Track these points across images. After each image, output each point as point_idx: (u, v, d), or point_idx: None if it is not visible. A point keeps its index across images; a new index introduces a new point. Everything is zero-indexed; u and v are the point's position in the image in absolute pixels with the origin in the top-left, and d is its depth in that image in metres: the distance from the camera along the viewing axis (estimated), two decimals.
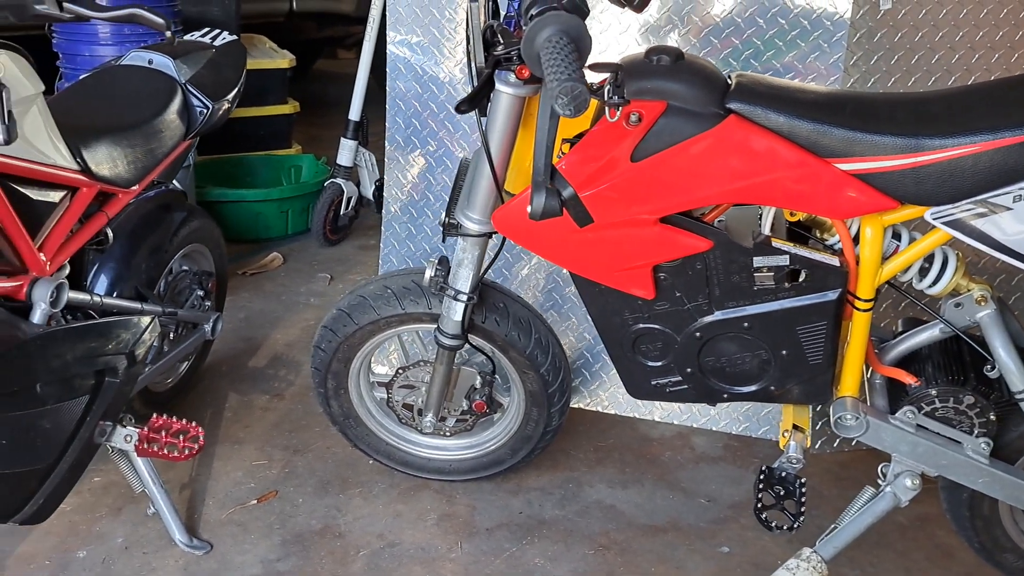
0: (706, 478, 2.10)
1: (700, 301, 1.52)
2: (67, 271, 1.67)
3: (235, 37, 2.20)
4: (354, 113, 3.50)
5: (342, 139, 3.53)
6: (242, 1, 4.15)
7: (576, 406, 2.31)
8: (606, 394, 2.32)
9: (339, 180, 3.56)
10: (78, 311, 1.68)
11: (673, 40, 2.14)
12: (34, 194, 1.49)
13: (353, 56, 7.61)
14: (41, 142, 1.47)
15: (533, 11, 1.14)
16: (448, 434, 1.98)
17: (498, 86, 1.38)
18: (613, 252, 1.45)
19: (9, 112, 1.08)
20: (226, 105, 2.03)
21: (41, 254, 1.54)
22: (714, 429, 2.26)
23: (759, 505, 1.63)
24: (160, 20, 0.99)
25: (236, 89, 2.07)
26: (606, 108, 1.29)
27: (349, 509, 1.96)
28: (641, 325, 1.57)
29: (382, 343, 1.94)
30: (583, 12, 1.15)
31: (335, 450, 2.17)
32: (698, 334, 1.55)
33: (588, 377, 2.33)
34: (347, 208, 3.62)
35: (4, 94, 1.08)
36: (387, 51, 2.39)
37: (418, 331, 1.92)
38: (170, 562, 1.77)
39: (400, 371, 1.91)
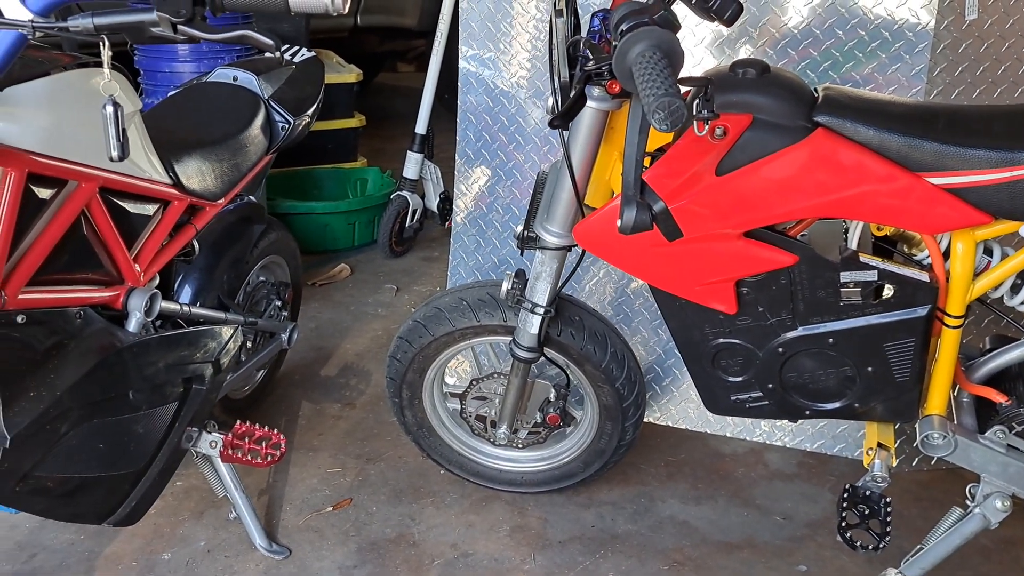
0: (781, 495, 2.07)
1: (783, 316, 1.50)
2: (157, 281, 1.73)
3: (313, 54, 2.26)
4: (420, 127, 3.55)
5: (408, 152, 3.58)
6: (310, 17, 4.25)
7: (646, 420, 2.30)
8: (676, 409, 2.31)
9: (405, 193, 3.61)
10: (166, 320, 1.74)
11: (746, 51, 2.13)
12: (131, 207, 1.55)
13: (413, 69, 7.73)
14: (139, 157, 1.53)
15: (624, 26, 1.14)
16: (520, 446, 1.98)
17: (588, 101, 1.39)
18: (695, 266, 1.45)
19: (123, 130, 1.13)
20: (306, 120, 2.08)
21: (136, 265, 1.59)
22: (788, 446, 2.22)
23: (843, 524, 1.59)
24: (269, 41, 1.02)
25: (315, 105, 2.12)
26: (693, 122, 1.29)
27: (422, 518, 1.98)
28: (722, 340, 1.56)
29: (456, 354, 1.95)
30: (675, 27, 1.16)
31: (407, 459, 2.19)
32: (780, 350, 1.53)
33: (658, 391, 2.32)
34: (412, 220, 3.66)
35: (119, 113, 1.12)
36: (458, 66, 2.42)
37: (492, 343, 1.94)
38: (251, 566, 1.81)
39: (474, 383, 1.93)
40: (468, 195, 2.52)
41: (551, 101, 1.49)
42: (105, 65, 1.08)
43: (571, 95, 1.30)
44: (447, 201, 3.70)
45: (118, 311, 1.57)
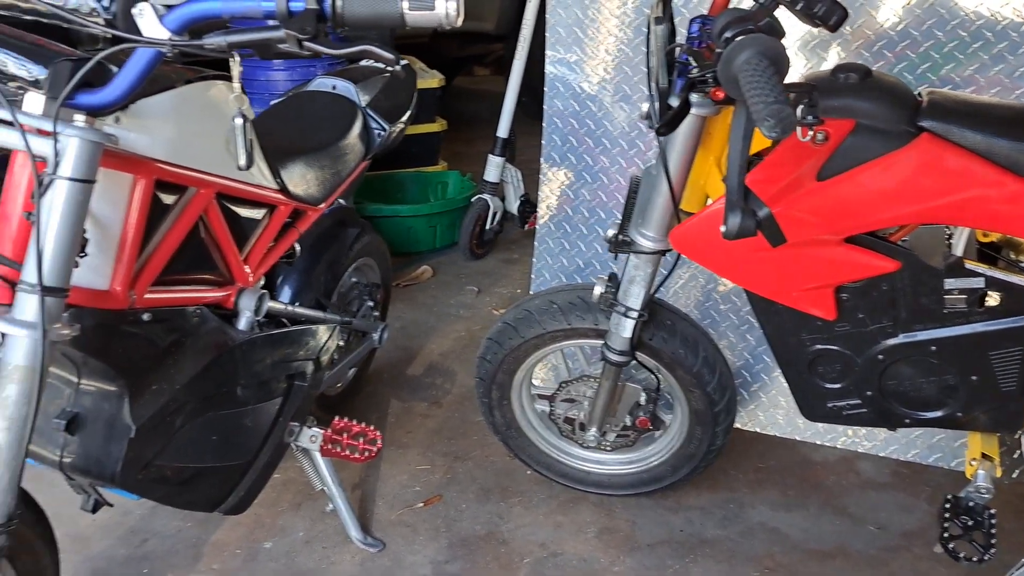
0: (874, 505, 2.03)
1: (884, 323, 1.48)
2: (263, 281, 1.80)
3: (406, 62, 2.31)
4: (502, 131, 3.59)
5: (490, 156, 3.62)
6: None
7: (734, 426, 2.28)
8: (764, 415, 2.29)
9: (486, 196, 3.66)
10: (271, 319, 1.81)
11: (837, 53, 2.10)
12: (243, 212, 1.63)
13: (489, 73, 7.79)
14: (254, 168, 1.60)
15: (728, 33, 1.15)
16: (608, 448, 2.00)
17: (693, 108, 1.40)
18: (795, 272, 1.44)
19: (251, 140, 1.19)
20: (400, 127, 2.14)
21: (246, 266, 1.67)
22: (881, 455, 2.18)
23: (945, 535, 1.56)
24: (390, 56, 1.07)
25: (409, 112, 2.18)
26: (798, 127, 1.28)
27: (511, 517, 2.01)
28: (819, 346, 1.55)
29: (546, 357, 1.98)
30: (780, 33, 1.16)
31: (494, 459, 2.23)
32: (880, 357, 1.51)
33: (746, 397, 2.30)
34: (493, 223, 3.71)
35: (247, 125, 1.19)
36: (544, 70, 2.45)
37: (582, 346, 1.96)
38: (347, 557, 1.88)
39: (563, 385, 1.95)
40: (552, 198, 2.55)
41: (646, 107, 1.51)
42: (235, 80, 1.14)
43: (675, 102, 1.31)
44: (527, 204, 3.73)
45: (229, 310, 1.65)
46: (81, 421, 1.39)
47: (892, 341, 1.49)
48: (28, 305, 1.11)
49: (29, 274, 1.11)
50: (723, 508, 2.03)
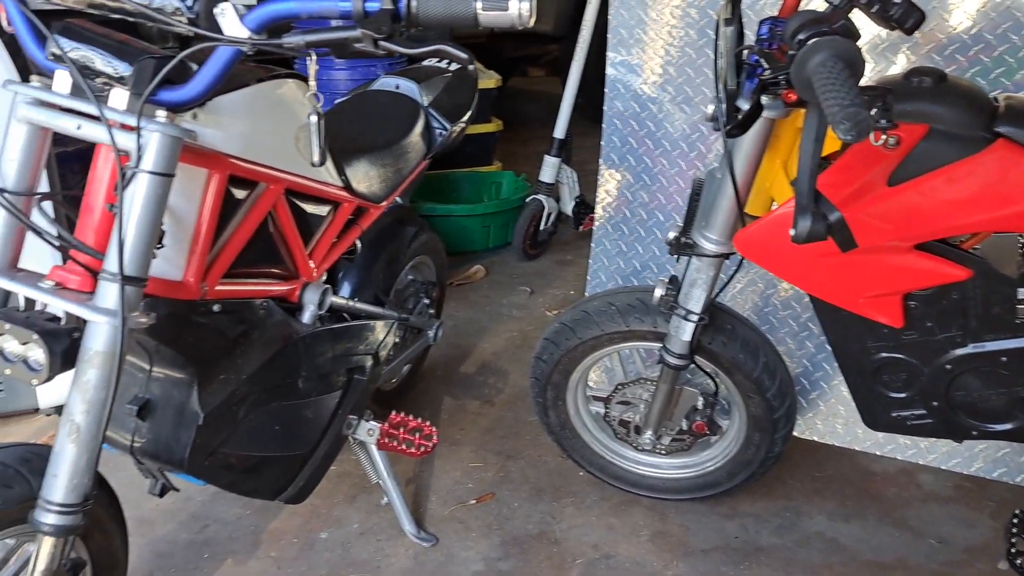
0: (935, 518, 1.99)
1: (953, 332, 1.45)
2: (325, 277, 1.84)
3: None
4: (559, 131, 3.59)
5: (546, 156, 3.63)
6: None
7: (809, 437, 2.25)
8: (823, 423, 2.25)
9: (540, 196, 3.66)
10: (332, 313, 1.84)
11: (907, 57, 2.05)
12: (309, 208, 1.66)
13: (544, 74, 7.80)
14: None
15: (802, 35, 1.14)
16: (664, 452, 1.99)
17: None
18: (862, 278, 1.42)
19: (324, 138, 1.22)
20: (461, 126, 2.16)
21: (311, 261, 1.70)
22: (943, 468, 2.12)
23: (1012, 551, 1.52)
24: (463, 55, 1.08)
25: (469, 112, 2.20)
26: (871, 131, 1.26)
27: (563, 517, 2.02)
28: (885, 354, 1.52)
29: (602, 358, 1.98)
30: (855, 35, 1.14)
31: (546, 459, 2.24)
32: (948, 367, 1.48)
33: (804, 405, 2.27)
34: (547, 224, 3.71)
35: (322, 123, 1.21)
36: (606, 72, 2.45)
37: (639, 348, 1.95)
38: (401, 550, 1.90)
39: (619, 387, 1.95)
40: (610, 199, 2.54)
41: (711, 109, 1.50)
42: (311, 79, 1.16)
43: (745, 104, 1.30)
44: (582, 205, 3.73)
45: (293, 304, 1.68)
46: (152, 407, 1.44)
47: (961, 351, 1.46)
48: (109, 293, 1.15)
49: (111, 263, 1.15)
50: (779, 516, 2.00)
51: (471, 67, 1.13)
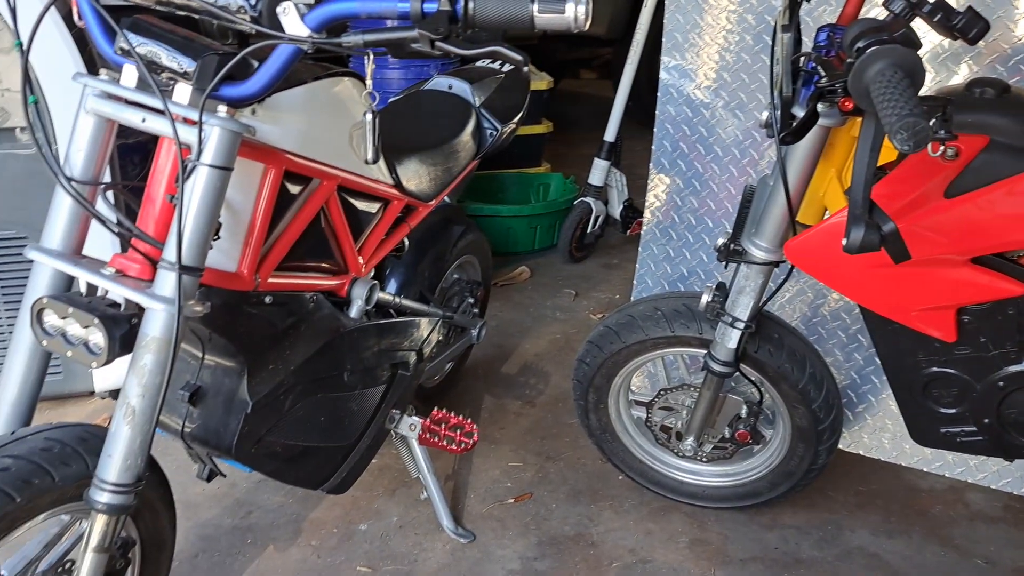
0: (983, 538, 1.94)
1: (1007, 349, 1.42)
2: (373, 272, 1.86)
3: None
4: (610, 135, 3.58)
5: (596, 159, 3.62)
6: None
7: (854, 451, 2.22)
8: (869, 437, 2.21)
9: (588, 199, 3.66)
10: (378, 308, 1.87)
11: (969, 67, 2.01)
12: (360, 204, 1.69)
13: (595, 76, 7.79)
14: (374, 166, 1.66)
15: (861, 43, 1.12)
16: (705, 460, 1.98)
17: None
18: (915, 290, 1.40)
19: (378, 135, 1.24)
20: (512, 127, 2.17)
21: (360, 257, 1.73)
22: (993, 487, 2.08)
23: None
24: (518, 56, 1.09)
25: (521, 113, 2.21)
26: (929, 142, 1.24)
27: (600, 520, 2.02)
28: (936, 369, 1.49)
29: (646, 363, 1.97)
30: (917, 44, 1.13)
31: (585, 461, 2.24)
32: (1001, 383, 1.45)
33: (850, 417, 2.23)
34: (594, 227, 3.70)
35: (376, 121, 1.23)
36: (659, 76, 2.44)
37: (684, 354, 1.94)
38: (438, 545, 1.92)
39: (662, 392, 1.94)
40: (659, 204, 2.53)
41: (765, 115, 1.49)
42: (368, 78, 1.19)
43: (800, 112, 1.29)
44: (630, 209, 3.71)
45: (341, 298, 1.71)
46: (203, 394, 1.48)
47: (1014, 368, 1.42)
48: (167, 282, 1.18)
49: (170, 253, 1.18)
50: (821, 529, 1.98)
51: (525, 69, 1.14)
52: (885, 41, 1.11)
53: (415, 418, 1.88)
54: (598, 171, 3.63)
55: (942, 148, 1.25)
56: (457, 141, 2.00)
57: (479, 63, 2.33)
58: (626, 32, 6.33)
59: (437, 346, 2.08)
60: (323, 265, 1.64)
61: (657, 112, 2.46)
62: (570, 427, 2.37)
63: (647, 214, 2.56)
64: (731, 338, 1.69)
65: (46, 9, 1.19)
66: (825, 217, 1.57)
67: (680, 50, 2.39)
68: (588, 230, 3.71)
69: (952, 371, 1.48)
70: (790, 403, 1.80)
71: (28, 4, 1.33)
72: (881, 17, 1.31)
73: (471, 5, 1.06)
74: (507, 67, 2.31)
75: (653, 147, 2.49)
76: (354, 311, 1.70)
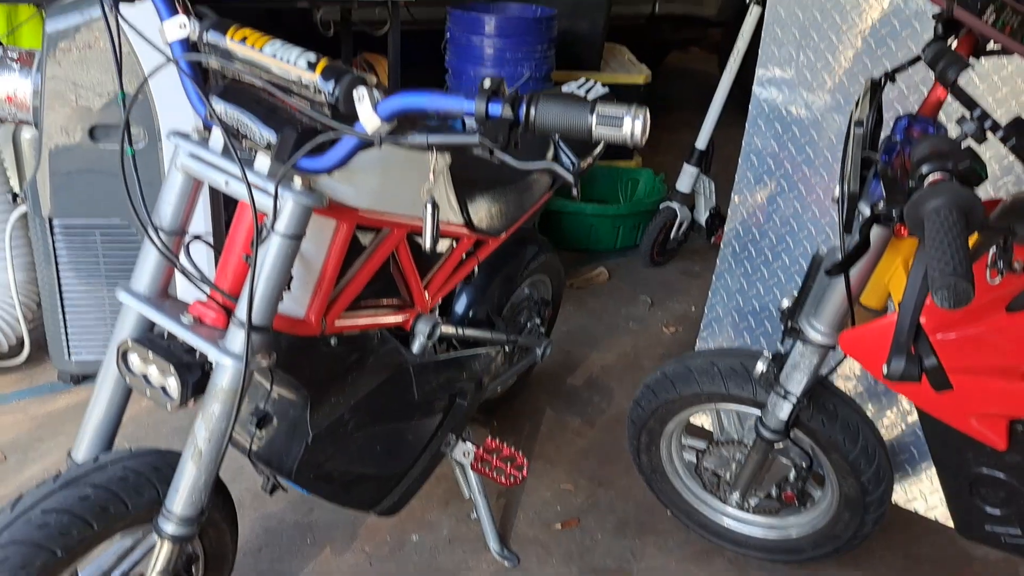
0: None
1: None
2: (438, 305, 1.93)
3: (606, 90, 2.34)
4: (701, 142, 3.53)
5: (685, 165, 3.58)
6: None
7: (896, 503, 2.20)
8: (928, 498, 2.18)
9: (674, 204, 3.63)
10: (440, 339, 1.94)
11: None
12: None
13: (705, 53, 7.58)
14: (445, 209, 1.71)
15: (924, 169, 1.10)
16: (751, 511, 1.99)
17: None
18: (971, 398, 1.37)
19: (437, 226, 1.29)
20: (589, 161, 2.18)
21: (426, 292, 1.80)
22: None
23: None
24: (569, 177, 1.13)
25: (600, 146, 2.21)
26: (987, 268, 1.21)
27: (643, 556, 2.07)
28: (985, 470, 1.47)
29: (699, 412, 1.99)
30: (979, 178, 1.10)
31: (635, 491, 2.28)
32: None
33: (909, 471, 2.20)
34: (678, 232, 3.68)
35: (436, 213, 1.29)
36: (753, 88, 2.38)
37: (738, 411, 1.95)
38: (483, 565, 2.01)
39: (713, 444, 1.96)
40: (743, 213, 2.47)
41: (836, 191, 1.46)
42: (431, 173, 1.24)
43: (867, 208, 1.26)
44: (716, 217, 3.67)
45: (406, 332, 1.79)
46: (269, 420, 1.59)
47: None
48: (237, 339, 1.28)
49: (241, 311, 1.28)
50: None
51: (574, 191, 1.16)
52: (949, 171, 1.09)
53: (469, 444, 1.96)
54: (686, 177, 3.59)
55: (1000, 277, 1.22)
56: (532, 177, 2.03)
57: (565, 88, 2.34)
58: (738, 14, 6.15)
59: (498, 370, 2.15)
60: (389, 302, 1.72)
61: (747, 124, 2.39)
62: (625, 453, 2.41)
63: (727, 235, 2.52)
64: (782, 409, 1.69)
65: (153, 72, 1.28)
66: (888, 302, 1.55)
67: (776, 61, 2.32)
68: (671, 236, 3.69)
69: (1000, 475, 1.45)
70: (840, 472, 1.79)
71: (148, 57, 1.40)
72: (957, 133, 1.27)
73: (532, 113, 1.10)
74: (592, 95, 2.31)
75: (740, 160, 2.44)
76: (416, 346, 1.78)
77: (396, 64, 3.47)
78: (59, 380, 2.58)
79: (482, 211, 1.88)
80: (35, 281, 2.55)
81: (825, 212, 2.33)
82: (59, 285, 2.40)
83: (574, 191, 1.16)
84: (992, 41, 1.38)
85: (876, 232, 1.38)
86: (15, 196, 2.46)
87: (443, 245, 1.81)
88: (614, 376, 2.83)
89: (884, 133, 1.41)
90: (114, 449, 1.44)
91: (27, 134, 2.44)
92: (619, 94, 4.20)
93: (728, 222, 2.52)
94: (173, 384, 1.30)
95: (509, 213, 1.97)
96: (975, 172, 1.09)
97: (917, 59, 1.48)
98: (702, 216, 3.70)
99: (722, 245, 2.54)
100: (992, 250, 1.14)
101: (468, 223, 1.83)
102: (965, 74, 1.26)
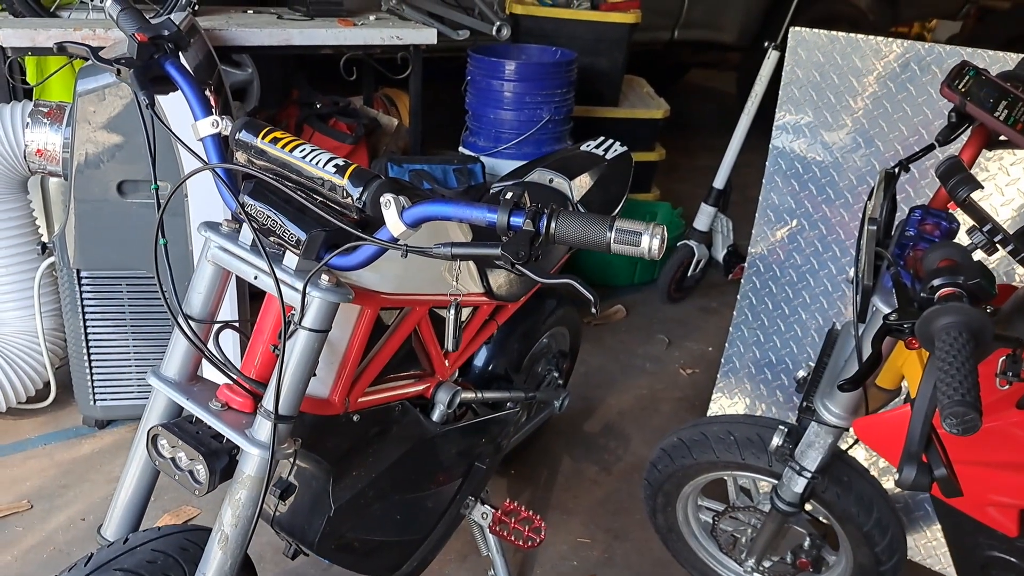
0: None
1: None
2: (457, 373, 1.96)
3: (625, 149, 2.38)
4: (719, 182, 3.56)
5: (702, 204, 3.61)
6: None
7: (912, 559, 2.20)
8: (940, 556, 2.19)
9: (692, 243, 3.66)
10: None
11: None
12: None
13: (723, 72, 7.60)
14: (466, 280, 1.75)
15: (936, 282, 1.12)
16: (766, 573, 2.01)
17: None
18: (982, 488, 1.39)
19: (460, 327, 1.33)
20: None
21: (446, 361, 1.83)
22: None
23: None
24: (590, 295, 1.16)
25: (620, 205, 2.25)
26: (996, 376, 1.23)
27: None
28: (996, 553, 1.49)
29: (715, 478, 2.01)
30: (989, 295, 1.11)
31: (651, 545, 2.30)
32: None
33: (923, 528, 2.21)
34: (695, 270, 3.71)
35: (459, 316, 1.33)
36: (772, 129, 2.40)
37: (755, 479, 1.97)
38: None
39: (728, 509, 1.98)
40: (763, 260, 2.48)
41: (851, 272, 1.49)
42: (453, 280, 1.27)
43: (881, 303, 1.28)
44: (734, 255, 3.69)
45: (426, 400, 1.83)
46: (292, 491, 1.63)
47: None
48: (263, 428, 1.32)
49: (268, 402, 1.32)
50: None
51: (594, 310, 1.19)
52: (960, 287, 1.10)
53: (487, 507, 1.99)
54: (704, 216, 3.62)
55: (1009, 385, 1.24)
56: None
57: (584, 148, 2.38)
58: (755, 40, 6.17)
59: (517, 429, 2.18)
60: (410, 374, 1.75)
61: (767, 165, 2.40)
62: (641, 503, 2.43)
63: (745, 281, 2.54)
64: (797, 484, 1.71)
65: (189, 175, 1.32)
66: (902, 383, 1.56)
67: (796, 104, 2.33)
68: (689, 273, 3.71)
69: (1012, 559, 1.46)
70: (854, 542, 1.81)
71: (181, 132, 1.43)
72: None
73: (553, 226, 1.13)
74: (611, 153, 2.35)
75: (760, 199, 2.45)
76: (436, 415, 1.82)
77: (418, 105, 3.53)
78: (84, 424, 2.63)
79: (501, 278, 1.91)
80: (62, 328, 2.62)
81: (842, 270, 2.35)
82: (85, 332, 2.46)
83: (594, 309, 1.17)
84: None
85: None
86: (44, 247, 2.52)
87: (464, 313, 1.85)
88: (630, 420, 2.86)
89: (899, 215, 1.43)
90: (142, 528, 1.48)
91: (54, 182, 2.50)
92: (637, 127, 4.24)
93: (744, 277, 2.54)
94: (201, 471, 1.34)
95: (529, 280, 2.00)
96: (985, 288, 1.11)
97: (931, 147, 1.50)
98: (720, 254, 3.72)
99: (739, 297, 2.56)
100: (1001, 360, 1.16)
101: (488, 291, 1.87)
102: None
